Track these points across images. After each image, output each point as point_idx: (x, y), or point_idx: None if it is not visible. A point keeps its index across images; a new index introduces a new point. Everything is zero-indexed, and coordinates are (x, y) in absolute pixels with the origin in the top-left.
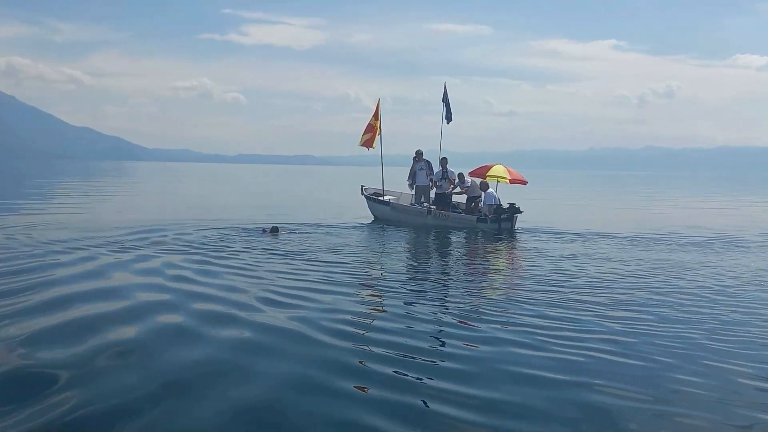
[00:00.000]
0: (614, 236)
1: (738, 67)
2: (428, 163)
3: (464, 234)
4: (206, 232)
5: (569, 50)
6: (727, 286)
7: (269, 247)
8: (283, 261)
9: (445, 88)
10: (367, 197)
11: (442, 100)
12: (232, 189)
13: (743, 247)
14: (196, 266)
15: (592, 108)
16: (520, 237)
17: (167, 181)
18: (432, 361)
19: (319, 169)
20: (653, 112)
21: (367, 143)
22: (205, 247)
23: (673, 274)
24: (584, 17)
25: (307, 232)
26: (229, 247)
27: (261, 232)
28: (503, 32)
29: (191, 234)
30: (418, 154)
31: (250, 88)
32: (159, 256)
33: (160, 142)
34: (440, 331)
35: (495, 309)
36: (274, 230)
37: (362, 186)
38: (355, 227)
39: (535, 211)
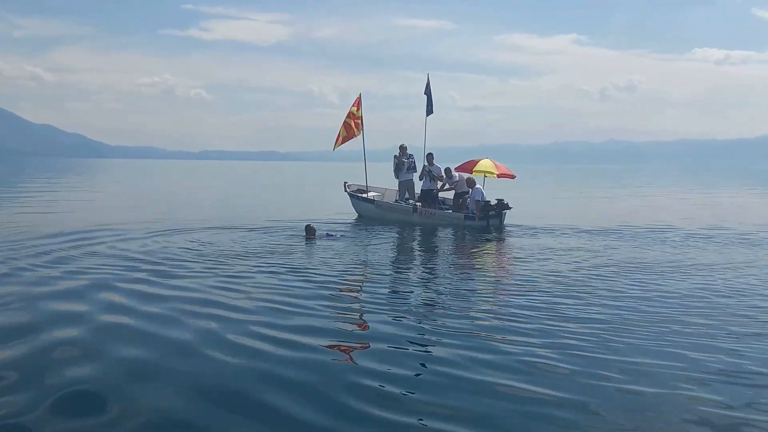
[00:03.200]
0: (602, 231)
1: (697, 61)
2: (411, 156)
3: (452, 232)
4: (159, 238)
5: (531, 45)
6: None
7: (227, 253)
8: (244, 275)
9: (428, 80)
10: (350, 194)
11: (425, 93)
12: (198, 187)
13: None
14: (136, 286)
15: (556, 102)
16: (509, 234)
17: (126, 179)
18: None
19: (286, 165)
20: (615, 106)
21: (338, 140)
22: (154, 257)
23: (672, 271)
24: (544, 12)
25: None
26: (183, 257)
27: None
28: (466, 27)
29: (139, 240)
30: (402, 149)
31: (213, 84)
32: (93, 272)
33: (123, 139)
34: (428, 358)
35: (489, 326)
36: (309, 231)
37: (345, 182)
38: (336, 226)
39: (520, 206)
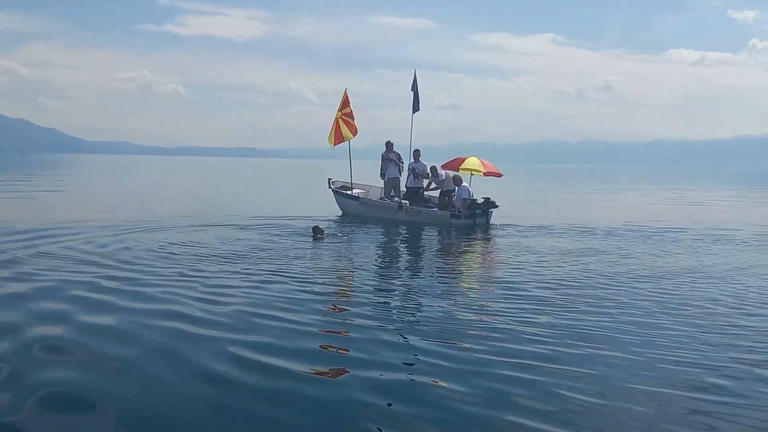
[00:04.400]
0: (585, 230)
1: (673, 62)
2: (398, 155)
3: (437, 230)
4: (128, 238)
5: (510, 44)
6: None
7: (208, 255)
8: (219, 274)
9: (414, 77)
10: (334, 191)
11: (411, 89)
12: (176, 183)
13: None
14: (88, 294)
15: (533, 102)
16: (496, 233)
17: (100, 174)
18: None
19: (264, 162)
20: (592, 106)
21: (337, 140)
22: (120, 259)
23: (650, 272)
24: (522, 11)
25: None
26: (154, 259)
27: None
28: (444, 26)
29: (103, 239)
30: (388, 145)
31: (190, 79)
32: (41, 276)
33: (99, 135)
34: (410, 365)
35: (473, 330)
36: (317, 231)
37: (329, 179)
38: (320, 222)
39: (503, 204)
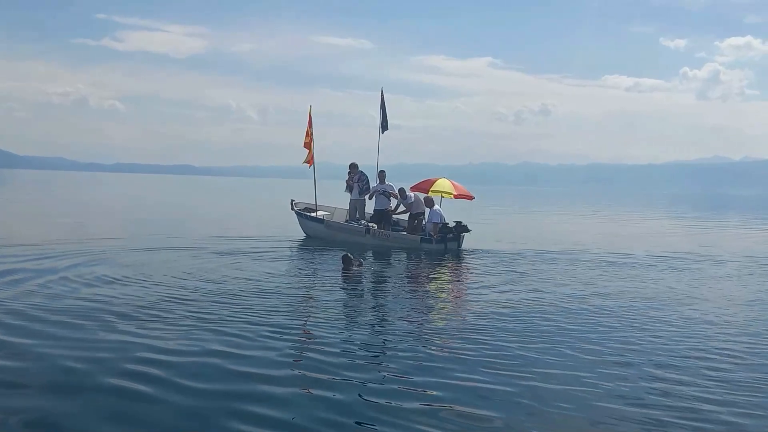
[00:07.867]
0: (556, 256)
1: (608, 88)
2: (361, 174)
3: (406, 255)
4: (21, 267)
5: (448, 67)
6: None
7: (104, 295)
8: (129, 327)
9: (382, 95)
10: (297, 213)
11: (380, 108)
12: (110, 200)
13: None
14: None
15: (472, 123)
16: (468, 258)
17: (25, 191)
18: None
19: (203, 180)
20: (529, 129)
21: (309, 160)
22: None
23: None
24: (460, 34)
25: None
26: (41, 303)
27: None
28: (383, 47)
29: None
30: (353, 167)
31: (128, 95)
32: None
33: (33, 149)
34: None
35: (443, 365)
36: (346, 261)
37: (292, 200)
38: (281, 247)
39: (476, 228)
